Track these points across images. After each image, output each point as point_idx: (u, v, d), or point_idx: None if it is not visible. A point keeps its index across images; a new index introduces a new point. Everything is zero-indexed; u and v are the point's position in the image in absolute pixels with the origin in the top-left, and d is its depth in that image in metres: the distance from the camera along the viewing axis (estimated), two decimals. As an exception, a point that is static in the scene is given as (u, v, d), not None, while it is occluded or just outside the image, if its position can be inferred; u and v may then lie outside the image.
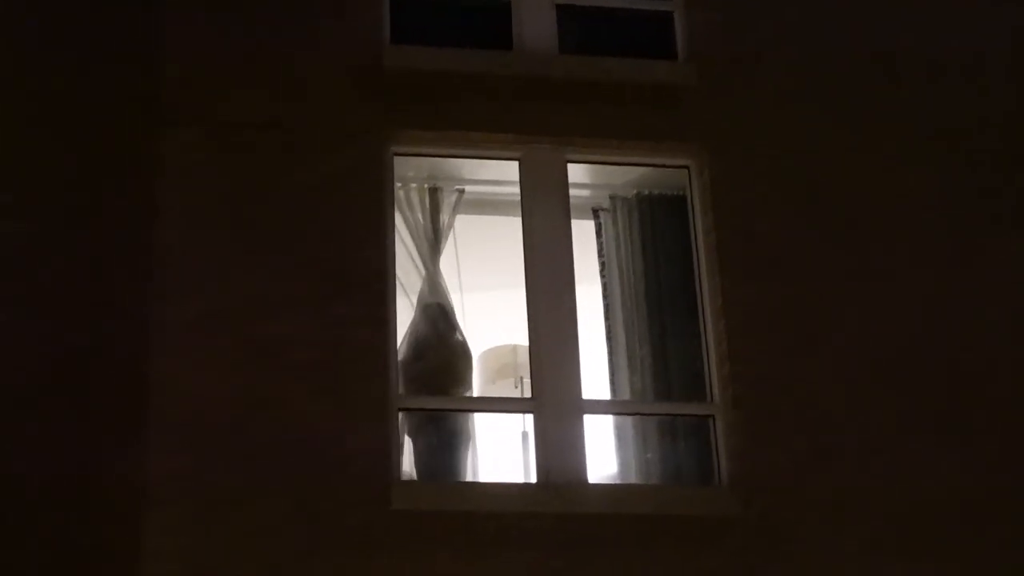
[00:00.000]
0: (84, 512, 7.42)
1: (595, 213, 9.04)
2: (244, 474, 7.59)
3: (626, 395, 8.66)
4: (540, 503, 7.90)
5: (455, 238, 8.98)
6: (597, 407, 8.57)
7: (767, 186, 8.73)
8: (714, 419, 8.34)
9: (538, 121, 8.69)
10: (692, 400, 8.52)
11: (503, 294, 9.02)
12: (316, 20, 8.73)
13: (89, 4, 8.54)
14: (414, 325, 8.66)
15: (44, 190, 8.06)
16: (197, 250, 8.05)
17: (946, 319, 8.57)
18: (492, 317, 9.47)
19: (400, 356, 8.35)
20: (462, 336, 8.76)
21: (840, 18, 9.31)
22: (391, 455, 7.85)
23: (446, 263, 8.94)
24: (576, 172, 8.86)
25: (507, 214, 8.85)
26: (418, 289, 8.80)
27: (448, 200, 8.88)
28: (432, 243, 8.83)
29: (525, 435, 9.21)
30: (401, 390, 8.24)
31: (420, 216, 8.82)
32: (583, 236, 8.85)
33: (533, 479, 8.22)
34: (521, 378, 9.63)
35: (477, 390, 9.68)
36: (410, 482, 8.15)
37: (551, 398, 8.23)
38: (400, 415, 8.14)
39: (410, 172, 8.78)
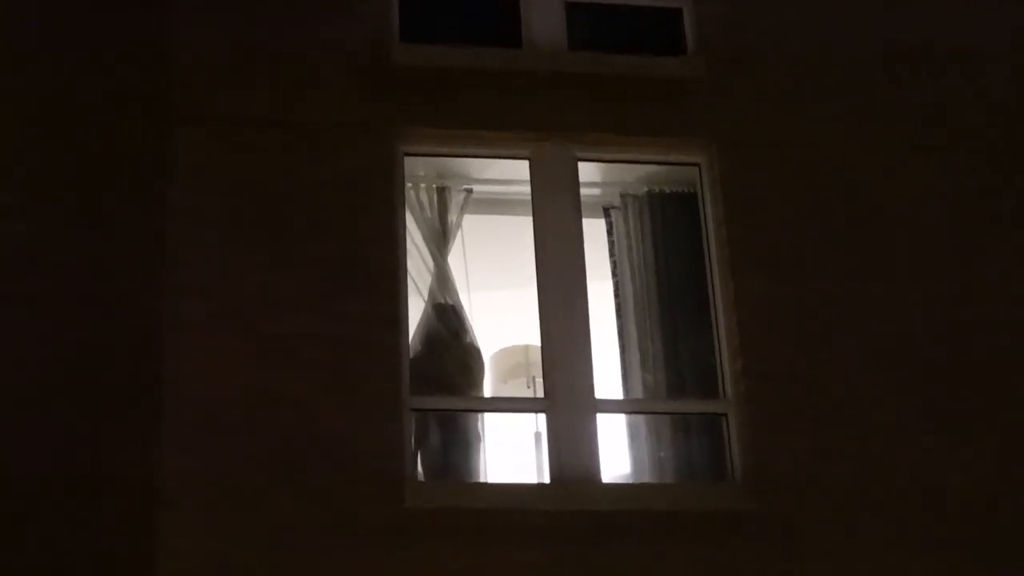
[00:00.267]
0: (97, 511, 7.44)
1: (606, 211, 9.02)
2: (257, 473, 7.59)
3: (639, 393, 8.64)
4: (553, 502, 7.88)
5: (463, 237, 8.96)
6: (610, 406, 8.56)
7: (777, 182, 8.70)
8: (727, 416, 8.32)
9: (548, 118, 8.68)
10: (705, 397, 8.50)
11: (515, 294, 9.02)
12: (324, 18, 8.72)
13: (94, 3, 8.55)
14: (425, 324, 8.64)
15: (52, 190, 8.08)
16: (207, 249, 8.05)
17: (952, 314, 8.54)
18: (504, 317, 9.46)
19: (411, 355, 8.32)
20: (472, 336, 8.74)
21: (847, 14, 9.28)
22: (404, 454, 7.84)
23: (456, 263, 8.92)
24: (586, 170, 8.84)
25: (517, 213, 8.84)
26: (428, 288, 8.77)
27: (456, 199, 8.86)
28: (441, 242, 8.81)
29: (538, 435, 9.19)
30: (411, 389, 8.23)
31: (429, 215, 8.80)
32: (594, 234, 8.83)
33: (546, 479, 8.20)
34: (533, 378, 9.62)
35: (489, 390, 9.68)
36: (423, 481, 8.13)
37: (564, 397, 8.21)
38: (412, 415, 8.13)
39: (419, 171, 8.77)
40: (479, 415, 8.68)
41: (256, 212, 8.18)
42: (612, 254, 8.95)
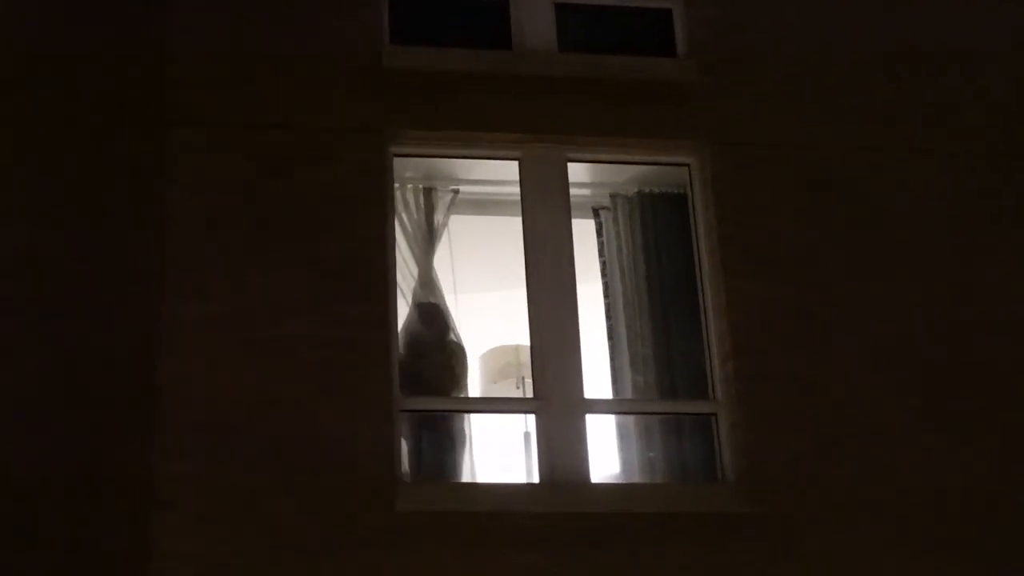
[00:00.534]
0: (94, 513, 7.43)
1: (595, 212, 9.02)
2: (253, 475, 7.59)
3: (628, 394, 8.65)
4: (544, 503, 7.90)
5: (449, 238, 8.95)
6: (600, 406, 8.56)
7: (769, 183, 8.71)
8: (717, 417, 8.33)
9: (538, 120, 8.67)
10: (695, 398, 8.51)
11: (504, 294, 9.01)
12: (317, 20, 8.70)
13: (92, 4, 8.53)
14: (408, 325, 8.62)
15: (51, 192, 8.06)
16: (202, 251, 8.04)
17: (951, 314, 8.56)
18: (493, 317, 9.45)
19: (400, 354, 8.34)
20: (457, 336, 8.74)
21: (841, 15, 9.28)
22: (395, 456, 7.85)
23: (445, 264, 8.92)
24: (576, 171, 8.85)
25: (506, 214, 8.84)
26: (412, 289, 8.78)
27: (443, 200, 8.86)
28: (426, 243, 8.80)
29: (528, 435, 9.19)
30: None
31: (415, 216, 8.80)
32: (584, 235, 8.83)
33: (536, 479, 8.21)
34: (523, 378, 9.61)
35: (479, 390, 9.67)
36: (414, 483, 8.13)
37: (553, 398, 8.22)
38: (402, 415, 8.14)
39: (407, 172, 8.76)
40: (464, 416, 8.66)
41: (252, 214, 8.18)
42: (602, 255, 8.95)
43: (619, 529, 7.80)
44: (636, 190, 8.97)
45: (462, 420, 8.63)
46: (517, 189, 8.71)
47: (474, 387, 9.74)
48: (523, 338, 8.63)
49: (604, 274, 8.92)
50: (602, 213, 9.00)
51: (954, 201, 8.89)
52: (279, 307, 7.96)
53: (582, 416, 8.21)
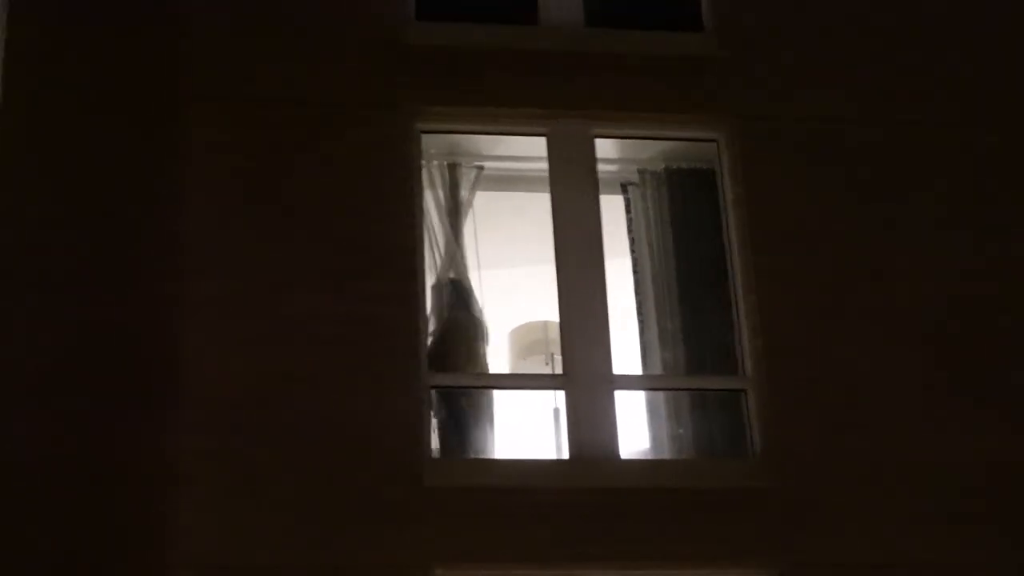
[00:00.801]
0: (114, 490, 7.46)
1: (623, 188, 9.01)
2: (274, 451, 7.62)
3: (657, 370, 8.64)
4: (572, 478, 7.91)
5: (474, 215, 8.92)
6: (628, 382, 8.57)
7: (796, 156, 8.68)
8: (746, 392, 8.31)
9: (565, 96, 8.66)
10: (723, 373, 8.50)
11: (532, 270, 9.00)
12: (342, -3, 8.74)
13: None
14: (432, 302, 8.63)
15: (67, 170, 8.07)
16: (224, 227, 8.07)
17: (976, 286, 8.52)
18: (522, 294, 9.44)
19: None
20: (477, 312, 8.72)
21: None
22: (422, 432, 7.87)
23: (471, 240, 8.91)
24: (604, 147, 8.84)
25: (533, 190, 8.82)
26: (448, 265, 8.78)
27: (468, 176, 8.85)
28: (452, 219, 8.80)
29: (556, 411, 9.18)
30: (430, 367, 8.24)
31: (441, 192, 8.79)
32: (612, 211, 8.82)
33: (565, 455, 8.21)
34: (552, 354, 9.60)
35: (508, 367, 9.68)
36: (441, 459, 8.14)
37: (582, 374, 8.23)
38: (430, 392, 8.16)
39: (432, 148, 8.76)
40: (491, 393, 8.67)
41: (272, 190, 8.20)
42: (630, 230, 8.94)
43: (647, 504, 7.80)
44: (664, 166, 8.95)
45: (490, 397, 8.63)
46: (544, 165, 8.70)
47: (503, 363, 9.75)
48: (552, 314, 8.63)
49: (632, 250, 8.92)
50: (630, 189, 8.99)
51: (979, 175, 8.83)
52: (301, 283, 7.98)
53: (611, 392, 8.21)
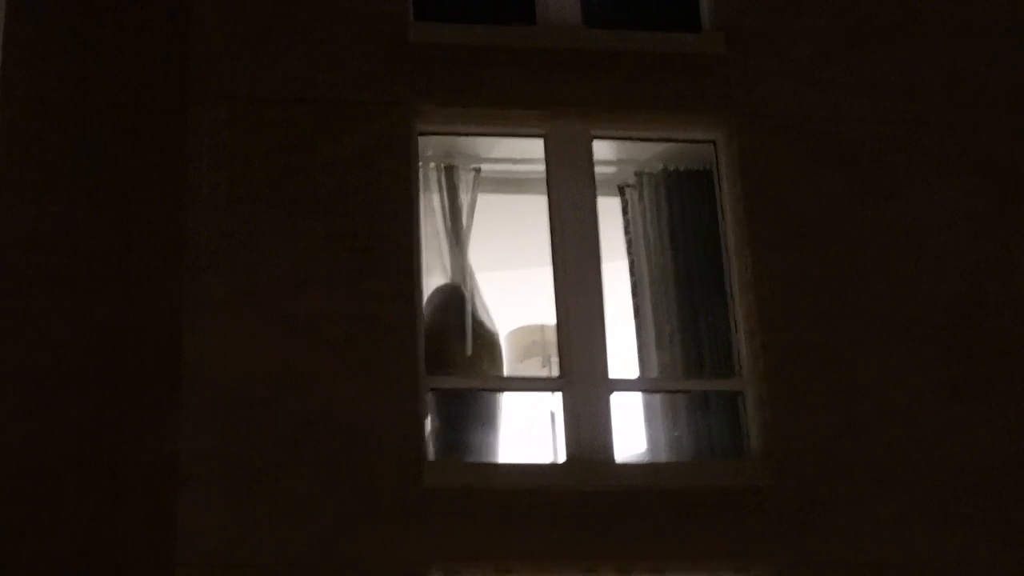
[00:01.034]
0: (119, 489, 7.47)
1: (621, 190, 8.99)
2: (277, 451, 7.61)
3: (655, 372, 8.62)
4: (570, 480, 7.89)
5: (473, 216, 8.91)
6: (625, 385, 8.55)
7: (795, 156, 8.68)
8: (743, 394, 8.31)
9: (563, 96, 8.66)
10: (721, 375, 8.48)
11: (530, 272, 8.99)
12: (342, -4, 8.74)
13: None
14: (429, 306, 8.61)
15: (74, 168, 8.07)
16: (227, 226, 8.06)
17: (978, 286, 8.53)
18: (519, 296, 9.42)
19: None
20: (484, 316, 8.70)
21: (866, -14, 9.25)
22: (421, 433, 7.86)
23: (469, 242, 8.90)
24: (601, 148, 8.83)
25: (531, 192, 8.81)
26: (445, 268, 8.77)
27: (466, 179, 8.83)
28: (455, 223, 8.78)
29: (553, 414, 9.16)
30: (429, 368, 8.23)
31: (441, 195, 8.78)
32: (609, 213, 8.81)
33: (562, 458, 8.19)
34: (549, 357, 9.59)
35: (505, 369, 9.63)
36: (441, 460, 8.12)
37: (579, 376, 8.21)
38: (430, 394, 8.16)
39: (429, 151, 8.75)
40: (496, 395, 8.64)
41: (274, 189, 8.19)
42: (627, 232, 8.93)
43: (645, 506, 7.79)
44: (662, 167, 8.94)
45: (492, 400, 8.61)
46: (542, 167, 8.69)
47: (500, 366, 9.71)
48: (549, 317, 8.60)
49: (630, 252, 8.90)
50: (627, 191, 8.98)
51: (979, 174, 8.83)
52: (303, 283, 7.97)
53: (608, 394, 8.20)
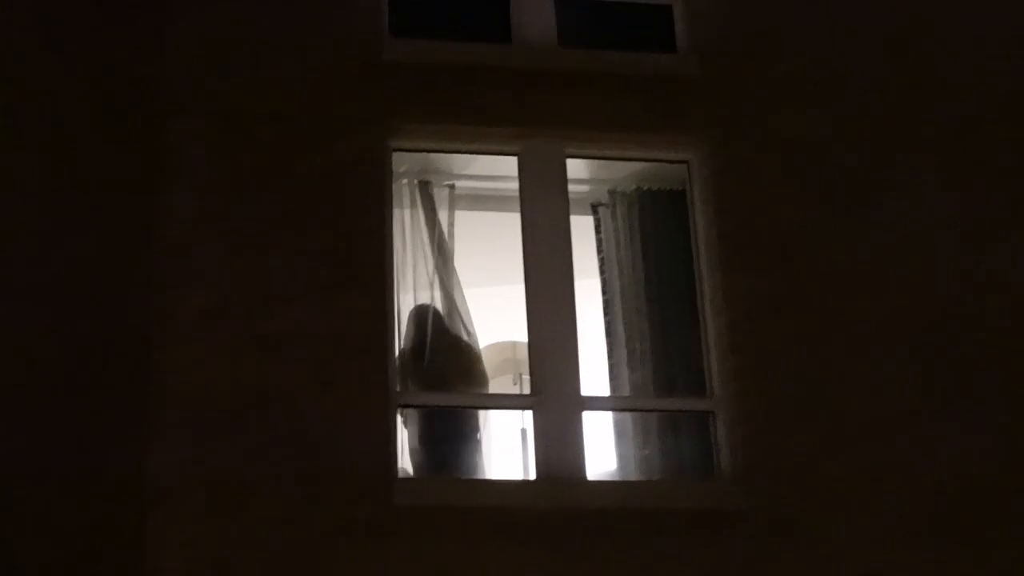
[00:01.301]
0: (88, 505, 7.38)
1: (594, 209, 9.01)
2: (247, 467, 7.57)
3: (626, 391, 8.62)
4: (540, 499, 7.88)
5: (449, 234, 8.91)
6: (597, 403, 8.54)
7: (769, 179, 8.68)
8: (714, 414, 8.30)
9: (537, 114, 8.65)
10: (692, 395, 8.49)
11: (502, 290, 8.99)
12: (316, 11, 8.69)
13: (89, -7, 8.52)
14: (409, 323, 8.60)
15: (46, 182, 8.01)
16: (200, 242, 8.02)
17: (953, 307, 8.53)
18: (491, 313, 9.43)
19: (399, 353, 8.32)
20: (466, 333, 8.70)
21: (841, 6, 9.27)
22: (392, 450, 7.83)
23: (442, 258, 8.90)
24: (575, 167, 8.82)
25: (504, 209, 8.83)
26: (420, 285, 8.76)
27: (440, 195, 8.83)
28: (429, 238, 8.77)
29: (524, 431, 9.17)
30: (399, 387, 8.21)
31: (417, 212, 8.78)
32: (582, 232, 8.81)
33: (533, 476, 8.18)
34: (520, 374, 9.62)
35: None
36: (411, 477, 8.13)
37: (550, 394, 8.19)
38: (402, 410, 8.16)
39: (402, 167, 8.74)
40: (477, 412, 8.65)
41: (248, 205, 8.15)
42: (600, 251, 8.94)
43: (615, 526, 7.77)
44: (635, 187, 8.95)
45: (472, 417, 8.63)
46: (515, 184, 8.69)
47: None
48: (521, 334, 8.60)
49: (602, 271, 8.91)
50: (600, 210, 8.99)
51: (956, 195, 8.85)
52: (276, 299, 7.93)
53: (579, 413, 8.18)
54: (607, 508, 7.85)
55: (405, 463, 8.23)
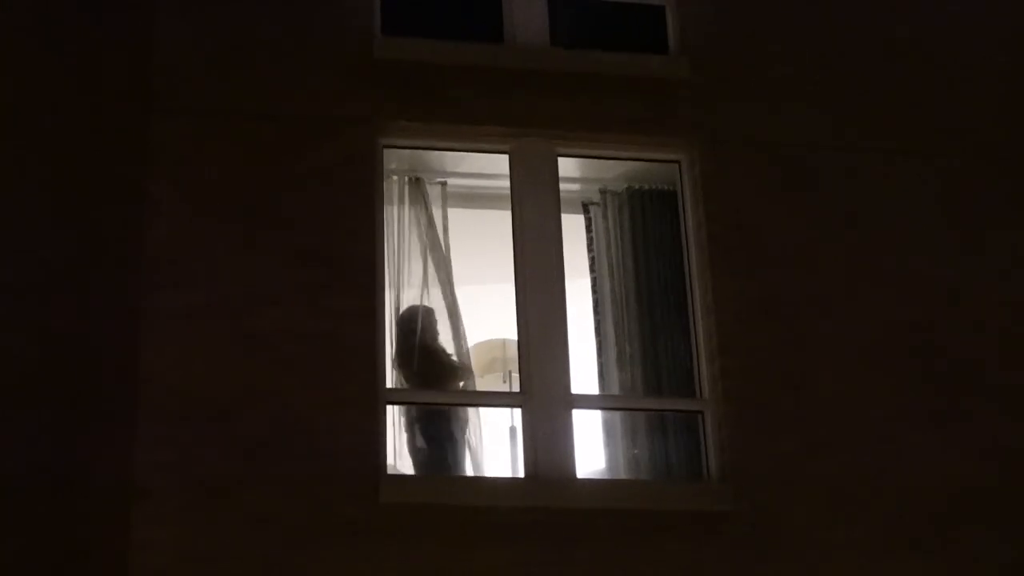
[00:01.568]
0: (73, 503, 7.38)
1: (585, 207, 9.01)
2: (233, 466, 7.57)
3: (615, 390, 8.63)
4: (528, 497, 7.88)
5: (444, 231, 8.92)
6: (586, 402, 8.54)
7: (758, 180, 8.71)
8: (703, 415, 8.32)
9: (529, 114, 8.66)
10: (681, 395, 8.50)
11: (492, 288, 8.99)
12: (307, 10, 8.70)
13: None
14: (397, 325, 8.60)
15: (31, 180, 8.00)
16: (187, 240, 8.02)
17: (940, 308, 8.58)
18: (481, 311, 9.43)
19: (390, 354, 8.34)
20: (446, 340, 8.69)
21: (833, 10, 9.30)
22: (379, 449, 7.83)
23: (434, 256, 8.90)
24: (566, 166, 8.83)
25: (495, 207, 8.83)
26: (412, 283, 8.75)
27: (432, 193, 8.83)
28: (420, 237, 8.78)
29: (513, 430, 9.17)
30: (390, 384, 8.22)
31: (401, 209, 8.77)
32: (573, 230, 8.82)
33: (521, 474, 8.19)
34: (510, 372, 9.60)
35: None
36: (398, 475, 8.12)
37: (540, 392, 8.21)
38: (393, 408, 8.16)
39: (393, 164, 8.74)
40: (464, 411, 8.66)
41: (236, 204, 8.16)
42: (591, 250, 8.93)
43: (603, 525, 7.79)
44: (626, 186, 8.96)
45: (460, 417, 8.63)
46: (506, 183, 8.70)
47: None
48: (511, 332, 8.60)
49: (593, 270, 8.91)
50: (591, 208, 8.99)
51: (941, 200, 8.90)
52: (263, 297, 7.93)
53: (568, 411, 8.19)
54: (595, 507, 7.87)
55: (394, 461, 8.24)
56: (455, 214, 8.94)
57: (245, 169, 8.23)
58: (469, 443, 8.66)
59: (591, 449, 8.64)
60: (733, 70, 8.98)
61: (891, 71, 9.17)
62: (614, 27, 9.21)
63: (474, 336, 9.59)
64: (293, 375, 7.79)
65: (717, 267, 8.45)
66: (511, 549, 7.66)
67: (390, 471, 8.02)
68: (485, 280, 9.22)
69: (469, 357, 8.81)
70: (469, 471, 8.57)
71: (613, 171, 9.00)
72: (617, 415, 8.62)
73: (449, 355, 8.67)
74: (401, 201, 8.77)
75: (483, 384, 9.85)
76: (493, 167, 8.80)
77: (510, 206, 8.65)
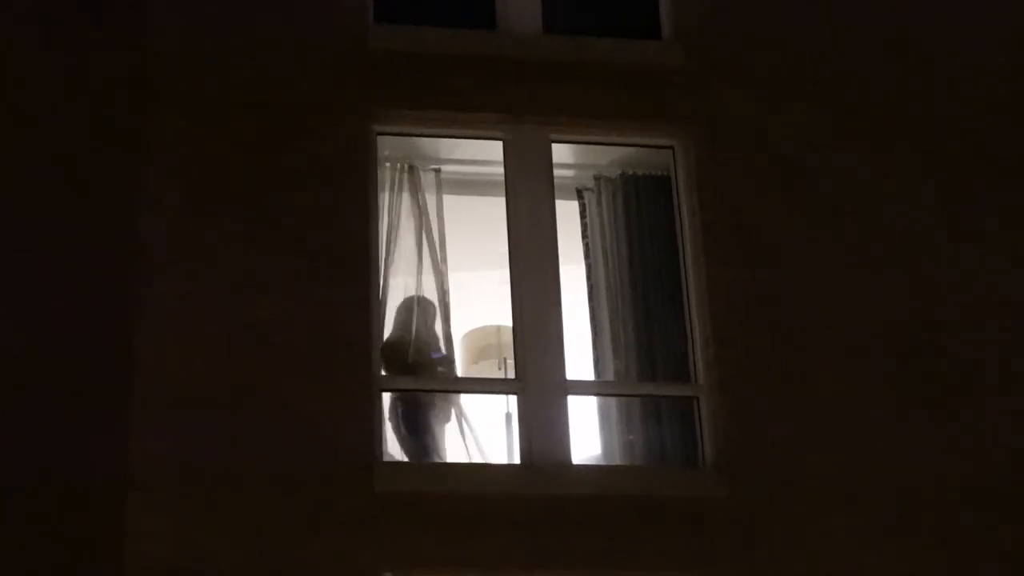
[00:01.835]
0: (71, 495, 7.42)
1: (579, 194, 9.00)
2: (229, 456, 7.58)
3: (610, 376, 8.64)
4: (524, 484, 7.91)
5: (438, 219, 8.92)
6: (581, 388, 8.55)
7: (752, 167, 8.71)
8: (698, 400, 8.33)
9: (522, 101, 8.66)
10: (676, 381, 8.50)
11: (486, 274, 8.99)
12: (301, 0, 8.68)
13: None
14: (396, 313, 8.61)
15: (28, 171, 8.00)
16: (183, 231, 8.02)
17: (934, 302, 8.58)
18: (475, 297, 9.43)
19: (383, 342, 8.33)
20: (427, 332, 8.66)
21: (827, 4, 9.28)
22: (374, 437, 7.84)
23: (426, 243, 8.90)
24: (560, 152, 8.83)
25: (490, 194, 8.82)
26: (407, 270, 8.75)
27: (426, 179, 8.82)
28: (414, 224, 8.78)
29: (508, 416, 9.18)
30: (384, 372, 8.22)
31: (392, 196, 8.76)
32: (567, 217, 8.81)
33: (517, 460, 8.20)
34: (505, 359, 9.59)
35: (460, 371, 9.65)
36: (393, 463, 8.12)
37: (535, 379, 8.22)
38: (386, 396, 8.15)
39: (386, 151, 8.73)
40: (456, 399, 8.67)
41: (232, 195, 8.16)
42: (585, 236, 8.93)
43: (598, 511, 7.80)
44: (620, 172, 8.95)
45: (451, 405, 8.65)
46: (501, 169, 8.70)
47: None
48: (505, 319, 8.60)
49: (587, 256, 8.90)
50: (586, 195, 8.98)
51: (936, 193, 8.89)
52: (259, 288, 7.94)
53: (563, 398, 8.21)
54: (591, 494, 7.88)
55: (389, 449, 8.25)
56: (449, 201, 8.93)
57: (240, 160, 8.23)
58: (462, 431, 8.66)
59: (586, 436, 8.64)
60: (726, 57, 8.98)
61: (887, 63, 9.16)
62: (607, 14, 9.20)
63: (469, 323, 9.62)
64: (289, 366, 7.81)
65: (711, 255, 8.46)
66: (507, 535, 7.68)
67: (386, 459, 8.03)
68: (479, 267, 9.22)
69: (452, 344, 8.79)
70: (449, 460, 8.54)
71: (607, 157, 8.99)
72: (612, 401, 8.63)
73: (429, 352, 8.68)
74: (395, 188, 8.76)
75: (478, 370, 9.87)
76: (487, 154, 8.79)
77: (504, 193, 8.65)
